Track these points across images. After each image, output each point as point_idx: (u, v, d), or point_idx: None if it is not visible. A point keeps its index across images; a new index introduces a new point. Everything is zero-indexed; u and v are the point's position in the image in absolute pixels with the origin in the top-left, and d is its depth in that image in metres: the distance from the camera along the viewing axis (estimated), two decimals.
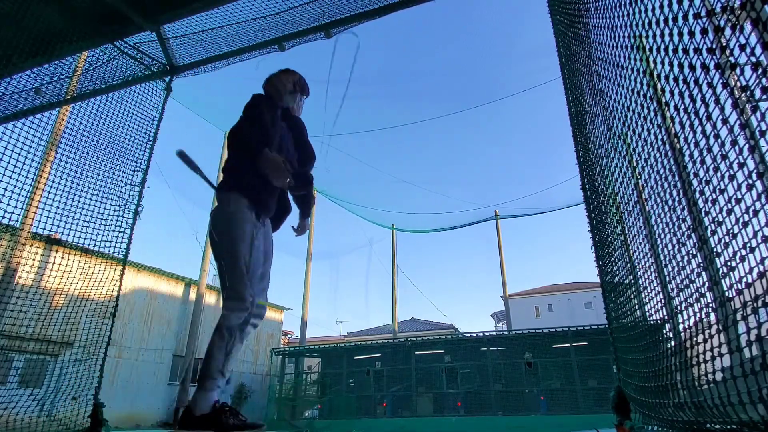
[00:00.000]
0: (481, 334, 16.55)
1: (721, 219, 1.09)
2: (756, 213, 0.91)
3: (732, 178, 0.96)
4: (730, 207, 1.01)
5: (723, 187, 1.00)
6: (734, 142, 0.93)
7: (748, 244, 0.96)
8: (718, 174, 1.01)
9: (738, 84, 0.88)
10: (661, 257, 2.04)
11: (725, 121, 0.94)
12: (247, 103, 2.36)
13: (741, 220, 0.97)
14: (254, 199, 2.13)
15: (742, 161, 0.92)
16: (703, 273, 1.48)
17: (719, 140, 0.98)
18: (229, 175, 2.18)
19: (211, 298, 18.12)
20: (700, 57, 0.99)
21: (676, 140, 1.23)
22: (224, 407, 1.85)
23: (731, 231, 1.03)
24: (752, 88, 0.85)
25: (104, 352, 4.15)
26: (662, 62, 1.21)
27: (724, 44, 0.90)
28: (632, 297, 3.08)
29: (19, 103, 4.16)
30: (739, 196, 0.95)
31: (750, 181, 0.91)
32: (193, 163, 2.27)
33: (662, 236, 1.83)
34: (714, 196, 1.06)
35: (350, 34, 4.23)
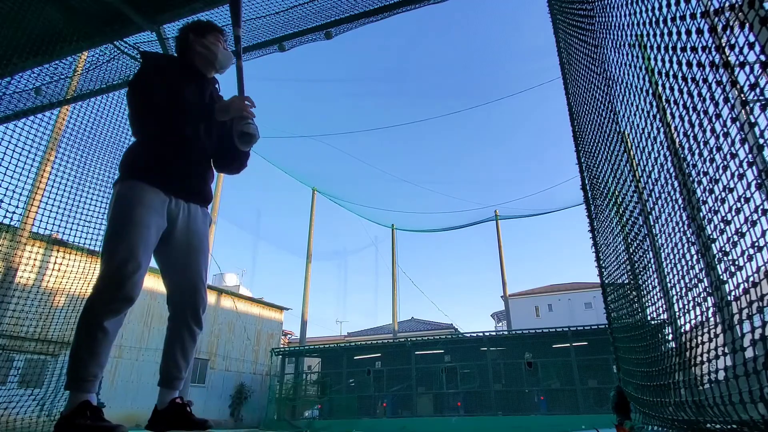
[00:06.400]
0: (481, 334, 16.54)
1: (727, 219, 1.09)
2: (765, 212, 0.91)
3: (741, 176, 0.96)
4: (739, 206, 1.00)
5: (731, 185, 1.00)
6: (744, 140, 0.92)
7: (756, 244, 0.95)
8: (728, 173, 1.00)
9: (746, 82, 0.88)
10: (663, 257, 2.03)
11: (734, 120, 0.93)
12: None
13: (750, 219, 0.96)
14: (156, 179, 1.86)
15: (751, 160, 0.92)
16: (707, 273, 1.47)
17: (729, 138, 0.97)
18: (123, 164, 1.91)
19: (211, 298, 18.11)
20: (709, 55, 0.99)
21: (684, 139, 1.22)
22: (85, 409, 1.60)
23: (740, 230, 1.03)
24: (762, 86, 0.85)
25: None
26: (669, 61, 1.20)
27: (732, 43, 0.90)
28: (633, 297, 3.08)
29: (19, 103, 4.16)
30: (748, 195, 0.95)
31: (759, 180, 0.90)
32: None
33: (666, 236, 1.82)
34: (723, 195, 1.06)
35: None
